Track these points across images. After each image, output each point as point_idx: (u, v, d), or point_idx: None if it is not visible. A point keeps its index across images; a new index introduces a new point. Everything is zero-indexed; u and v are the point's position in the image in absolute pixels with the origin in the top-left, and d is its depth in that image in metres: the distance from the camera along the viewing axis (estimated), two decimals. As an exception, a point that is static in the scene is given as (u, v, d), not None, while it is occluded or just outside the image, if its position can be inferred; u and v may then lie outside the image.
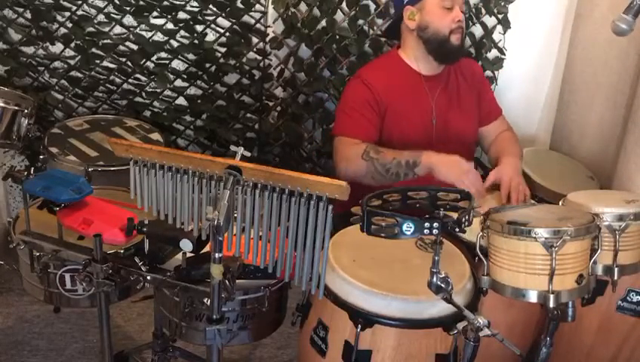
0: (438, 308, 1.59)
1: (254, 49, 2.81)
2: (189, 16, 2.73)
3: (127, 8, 2.69)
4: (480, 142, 2.43)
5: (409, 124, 2.18)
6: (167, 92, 2.89)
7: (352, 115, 2.16)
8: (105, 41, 2.75)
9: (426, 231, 1.35)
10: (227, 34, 2.78)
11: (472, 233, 1.61)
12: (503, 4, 2.66)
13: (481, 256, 1.63)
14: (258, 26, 2.77)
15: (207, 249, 1.49)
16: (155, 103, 2.91)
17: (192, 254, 1.62)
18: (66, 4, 2.68)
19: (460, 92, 2.28)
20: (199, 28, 2.77)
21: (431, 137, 2.21)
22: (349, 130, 2.15)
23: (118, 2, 2.68)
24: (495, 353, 1.77)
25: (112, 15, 2.72)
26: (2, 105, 2.21)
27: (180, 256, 1.65)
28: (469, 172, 1.97)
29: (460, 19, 2.11)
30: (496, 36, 2.73)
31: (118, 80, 2.85)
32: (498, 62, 2.76)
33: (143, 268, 1.65)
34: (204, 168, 1.41)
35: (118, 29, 2.75)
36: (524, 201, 2.07)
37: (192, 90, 2.92)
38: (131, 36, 2.75)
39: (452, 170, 1.97)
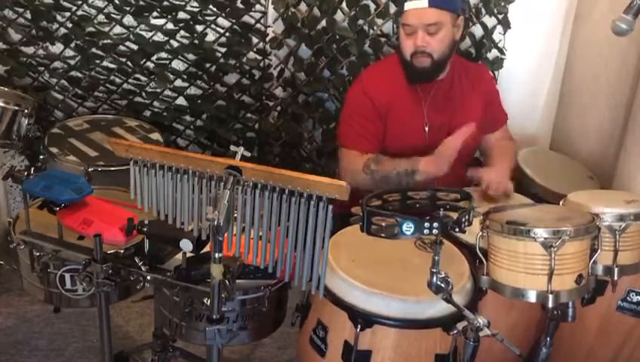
0: (438, 308, 1.58)
1: (254, 49, 2.81)
2: (189, 16, 2.73)
3: (127, 8, 2.69)
4: (480, 148, 2.44)
5: (401, 129, 2.20)
6: (167, 92, 2.89)
7: (354, 126, 2.19)
8: (105, 41, 2.75)
9: (425, 231, 1.35)
10: (227, 34, 2.79)
11: (472, 233, 1.61)
12: (503, 4, 2.66)
13: (480, 255, 1.63)
14: (258, 26, 2.77)
15: (207, 249, 1.49)
16: (155, 103, 2.91)
17: (192, 254, 1.62)
18: (66, 4, 2.68)
19: (464, 97, 2.27)
20: (199, 28, 2.77)
21: (424, 142, 2.21)
22: (351, 141, 2.19)
23: (118, 2, 2.68)
24: (495, 353, 1.77)
25: (112, 15, 2.72)
26: (2, 105, 2.21)
27: (180, 256, 1.65)
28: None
29: (418, 45, 2.05)
30: (496, 36, 2.73)
31: (118, 80, 2.85)
32: (498, 62, 2.76)
33: (143, 268, 1.65)
34: (204, 168, 1.41)
35: (118, 29, 2.75)
36: (504, 195, 2.13)
37: (192, 90, 2.92)
38: (131, 36, 2.75)
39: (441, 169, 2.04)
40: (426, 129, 2.21)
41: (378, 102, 2.16)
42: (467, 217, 1.39)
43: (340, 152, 2.25)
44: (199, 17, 2.74)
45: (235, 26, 2.77)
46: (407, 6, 2.04)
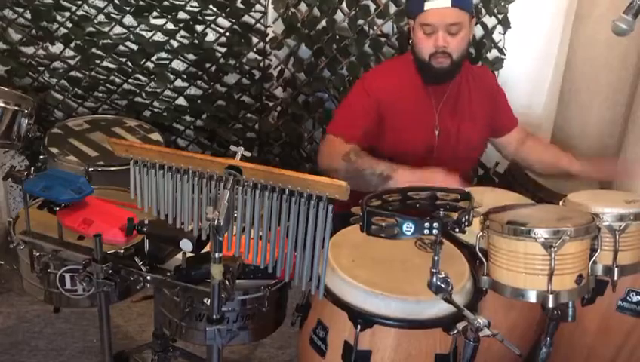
0: (438, 308, 1.58)
1: (254, 49, 2.81)
2: (189, 16, 2.73)
3: (127, 8, 2.69)
4: (500, 151, 2.44)
5: (410, 131, 2.18)
6: (167, 92, 2.89)
7: (346, 116, 2.19)
8: (105, 41, 2.75)
9: (425, 231, 1.35)
10: (227, 34, 2.79)
11: (472, 233, 1.61)
12: (503, 4, 2.66)
13: (480, 256, 1.63)
14: (258, 26, 2.77)
15: (207, 249, 1.49)
16: (155, 103, 2.91)
17: (192, 254, 1.62)
18: (66, 4, 2.68)
19: (472, 101, 2.26)
20: (199, 28, 2.77)
21: (433, 145, 2.20)
22: (340, 129, 2.16)
23: (118, 2, 2.68)
24: (495, 353, 1.77)
25: (112, 15, 2.72)
26: (2, 105, 2.21)
27: (180, 256, 1.65)
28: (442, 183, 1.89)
29: (439, 45, 2.03)
30: (496, 36, 2.73)
31: (118, 80, 2.85)
32: (498, 62, 2.76)
33: (143, 268, 1.65)
34: (204, 168, 1.41)
35: (118, 29, 2.75)
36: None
37: (192, 90, 2.92)
38: (131, 36, 2.75)
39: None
40: (436, 132, 2.19)
41: (378, 102, 2.14)
42: (467, 217, 1.39)
43: (324, 139, 2.20)
44: (199, 17, 2.74)
45: (235, 26, 2.77)
46: (427, 5, 2.02)
